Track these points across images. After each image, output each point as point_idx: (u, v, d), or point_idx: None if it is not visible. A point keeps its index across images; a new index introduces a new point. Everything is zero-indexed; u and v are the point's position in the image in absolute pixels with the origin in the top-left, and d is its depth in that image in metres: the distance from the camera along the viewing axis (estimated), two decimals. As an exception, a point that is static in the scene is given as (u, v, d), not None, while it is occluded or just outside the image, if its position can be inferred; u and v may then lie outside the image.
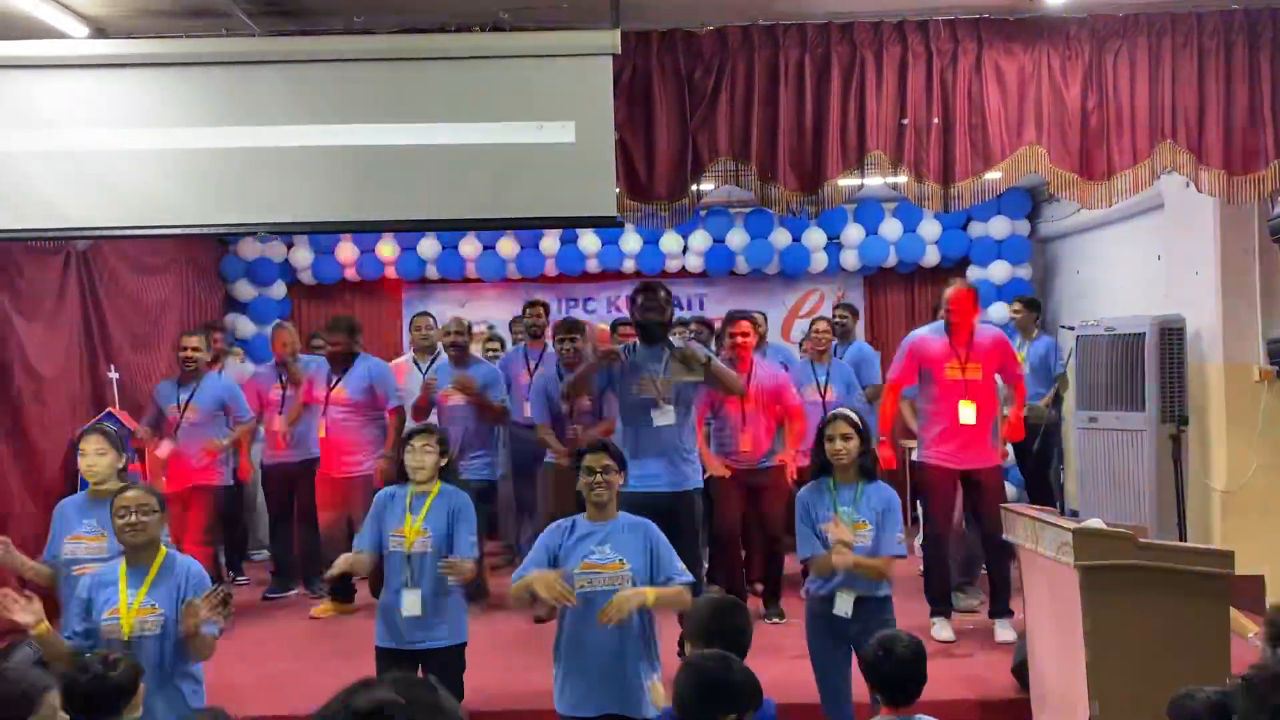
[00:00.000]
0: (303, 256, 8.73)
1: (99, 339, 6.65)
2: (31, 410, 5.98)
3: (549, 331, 6.70)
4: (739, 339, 5.73)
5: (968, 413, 5.31)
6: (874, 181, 4.84)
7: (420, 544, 4.00)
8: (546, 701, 3.70)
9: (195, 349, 5.89)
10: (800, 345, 7.54)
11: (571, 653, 3.57)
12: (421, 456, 4.04)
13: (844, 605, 3.94)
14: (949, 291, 5.40)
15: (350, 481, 6.07)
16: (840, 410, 4.16)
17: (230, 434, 6.01)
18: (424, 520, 4.02)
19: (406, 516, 4.04)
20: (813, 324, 6.96)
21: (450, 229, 7.74)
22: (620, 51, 4.34)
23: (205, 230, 4.98)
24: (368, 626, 4.26)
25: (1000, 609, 5.45)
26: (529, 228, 7.65)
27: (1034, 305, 7.38)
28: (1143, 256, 6.93)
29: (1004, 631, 5.37)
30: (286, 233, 8.00)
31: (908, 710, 3.07)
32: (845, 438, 3.99)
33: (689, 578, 3.64)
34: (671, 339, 4.90)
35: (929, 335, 5.49)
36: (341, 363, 6.14)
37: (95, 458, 4.13)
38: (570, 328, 6.02)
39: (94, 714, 2.91)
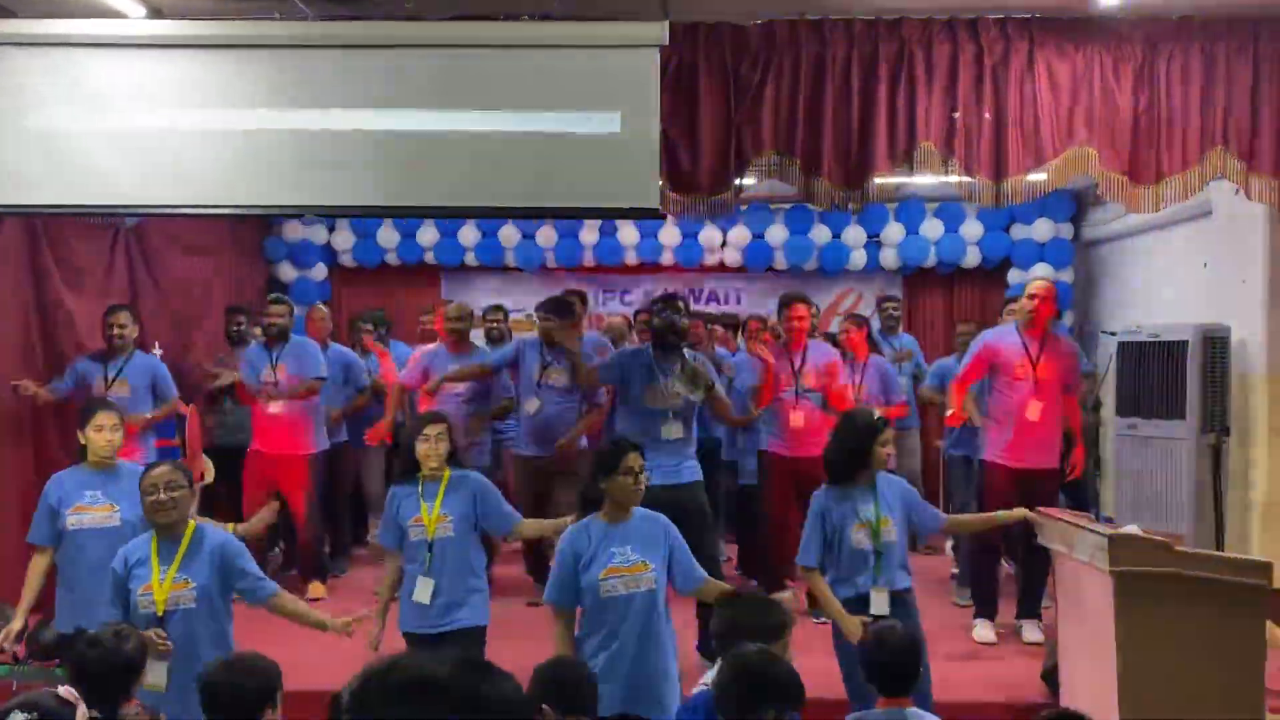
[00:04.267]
0: (345, 239, 8.81)
1: (145, 315, 6.75)
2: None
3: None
4: (795, 322, 5.78)
5: (1034, 411, 5.30)
6: (921, 181, 4.82)
7: (442, 529, 4.07)
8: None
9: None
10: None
11: (605, 659, 3.57)
12: (436, 445, 4.10)
13: (880, 604, 3.96)
14: (1032, 287, 5.42)
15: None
16: (882, 416, 4.19)
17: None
18: (441, 506, 4.08)
19: (423, 505, 4.09)
20: (844, 321, 6.96)
21: (496, 216, 7.79)
22: (668, 43, 4.35)
23: (254, 211, 5.06)
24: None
25: (1030, 610, 5.45)
26: (572, 217, 7.69)
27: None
28: (1188, 264, 6.84)
29: (1031, 632, 5.39)
30: (334, 216, 8.08)
31: (901, 702, 3.07)
32: (886, 442, 4.04)
33: (706, 573, 3.69)
34: (686, 353, 4.98)
35: (1002, 333, 5.54)
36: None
37: (111, 433, 4.17)
38: (560, 306, 6.04)
39: (105, 689, 2.92)
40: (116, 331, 5.79)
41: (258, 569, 3.71)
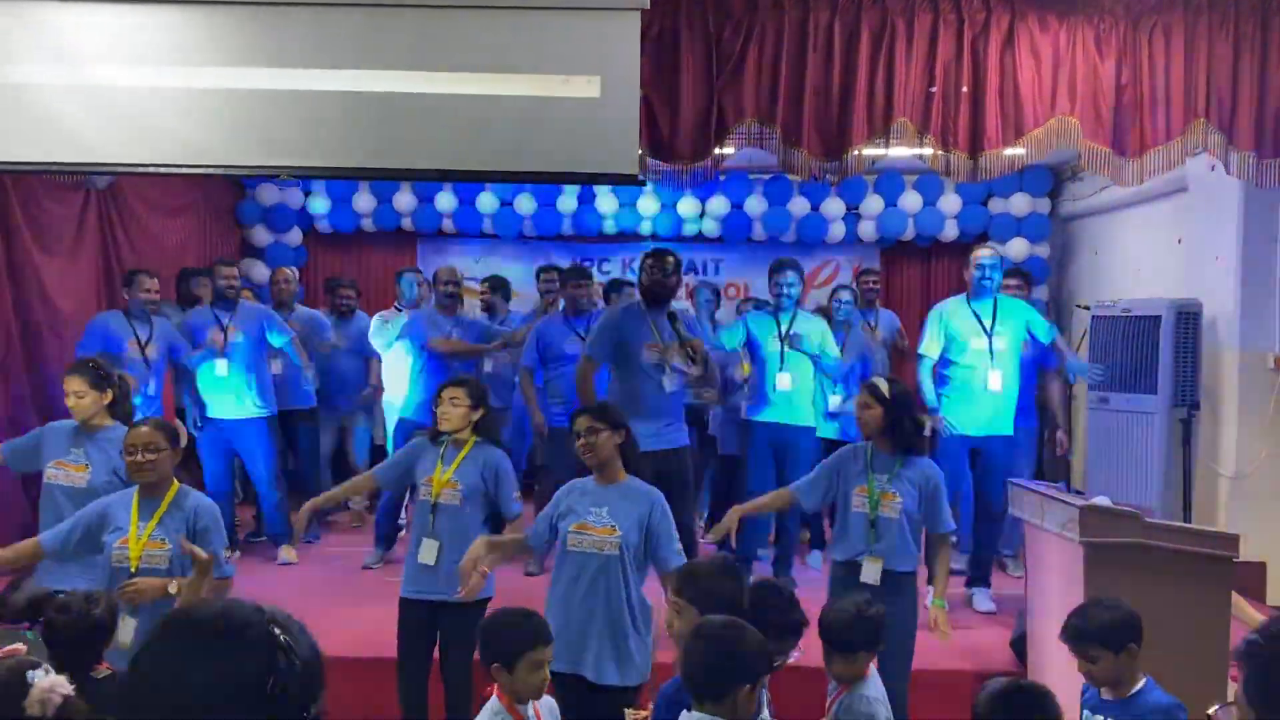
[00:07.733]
0: (320, 204, 8.73)
1: (117, 276, 6.68)
2: (50, 344, 6.04)
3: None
4: (785, 288, 5.81)
5: (994, 380, 5.35)
6: (899, 152, 4.80)
7: (448, 495, 4.00)
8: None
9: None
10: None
11: (558, 610, 3.59)
12: (448, 408, 4.07)
13: (871, 573, 3.99)
14: (979, 255, 5.47)
15: None
16: (871, 380, 4.20)
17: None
18: (454, 472, 4.02)
19: (438, 465, 4.05)
20: (834, 291, 6.97)
21: (471, 180, 7.74)
22: (649, 7, 4.30)
23: (229, 171, 4.97)
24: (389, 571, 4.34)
25: (980, 578, 5.53)
26: (550, 182, 7.64)
27: (1030, 278, 7.32)
28: (1163, 240, 6.89)
29: (982, 601, 5.47)
30: (307, 177, 8.00)
31: (854, 667, 3.11)
32: (864, 406, 4.04)
33: (682, 561, 3.63)
34: (678, 319, 4.96)
35: (954, 303, 5.59)
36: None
37: (75, 400, 4.12)
38: (581, 274, 6.15)
39: (76, 653, 2.91)
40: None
41: (219, 549, 3.59)
